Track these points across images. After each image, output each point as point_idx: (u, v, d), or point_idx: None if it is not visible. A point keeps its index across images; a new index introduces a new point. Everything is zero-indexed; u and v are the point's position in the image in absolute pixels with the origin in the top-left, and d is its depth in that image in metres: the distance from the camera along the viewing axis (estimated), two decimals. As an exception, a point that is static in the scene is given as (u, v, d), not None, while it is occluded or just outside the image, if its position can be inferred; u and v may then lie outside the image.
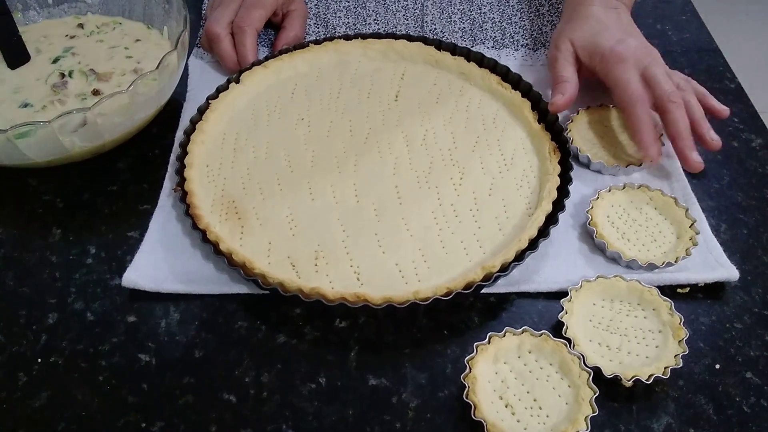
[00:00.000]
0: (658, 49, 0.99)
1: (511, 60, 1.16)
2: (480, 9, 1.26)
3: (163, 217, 0.92)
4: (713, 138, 0.93)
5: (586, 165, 0.98)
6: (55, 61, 1.05)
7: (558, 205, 0.86)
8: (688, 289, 0.84)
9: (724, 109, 0.96)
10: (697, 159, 0.92)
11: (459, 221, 0.88)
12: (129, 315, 0.82)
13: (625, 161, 0.95)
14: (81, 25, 1.13)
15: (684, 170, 0.96)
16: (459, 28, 1.22)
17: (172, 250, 0.87)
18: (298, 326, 0.81)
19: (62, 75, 1.02)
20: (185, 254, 0.87)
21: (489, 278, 0.78)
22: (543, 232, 0.84)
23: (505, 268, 0.80)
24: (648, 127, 0.91)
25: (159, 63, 0.91)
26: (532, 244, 0.82)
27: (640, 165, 0.94)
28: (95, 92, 0.99)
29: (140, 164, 1.02)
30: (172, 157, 0.98)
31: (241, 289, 0.83)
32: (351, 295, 0.76)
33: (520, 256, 0.81)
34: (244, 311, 0.82)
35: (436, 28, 1.23)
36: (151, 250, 0.87)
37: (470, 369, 0.73)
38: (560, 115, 1.01)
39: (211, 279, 0.84)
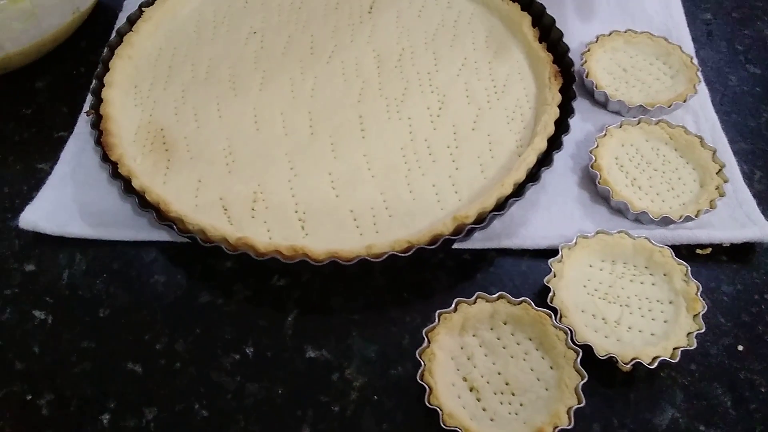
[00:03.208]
0: None
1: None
2: None
3: (78, 147, 0.76)
4: None
5: (603, 104, 0.80)
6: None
7: (554, 143, 0.70)
8: (710, 249, 0.68)
9: None
10: None
11: (433, 160, 0.72)
12: (27, 263, 0.68)
13: (652, 101, 0.77)
14: None
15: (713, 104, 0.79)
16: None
17: (83, 187, 0.73)
18: (227, 282, 0.66)
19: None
20: (99, 192, 0.72)
21: (461, 231, 0.63)
22: (533, 176, 0.67)
23: (482, 219, 0.64)
24: None
25: (66, -46, 0.73)
26: (519, 190, 0.66)
27: (670, 106, 0.76)
28: (3, -6, 0.82)
29: (62, 84, 0.86)
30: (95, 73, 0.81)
31: (161, 235, 0.69)
32: (287, 248, 0.61)
33: (501, 205, 0.65)
34: (164, 262, 0.68)
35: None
36: (59, 185, 0.73)
37: (429, 342, 0.59)
38: (576, 43, 0.82)
39: (126, 222, 0.70)
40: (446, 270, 0.67)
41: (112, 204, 0.71)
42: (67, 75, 0.87)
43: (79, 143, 0.77)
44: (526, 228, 0.69)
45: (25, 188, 0.75)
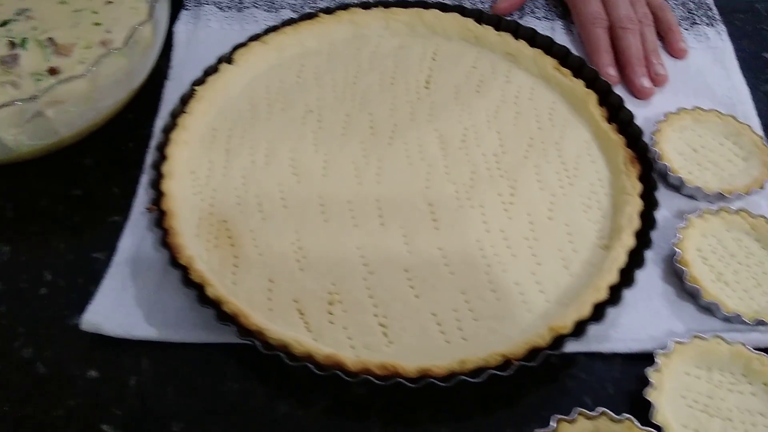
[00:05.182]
0: None
1: (570, 36, 0.94)
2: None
3: (137, 237, 0.73)
4: (658, 72, 0.87)
5: (676, 188, 0.78)
6: (4, 24, 0.84)
7: (642, 239, 0.67)
8: (803, 351, 0.66)
9: (681, 50, 0.92)
10: (645, 84, 0.86)
11: (512, 254, 0.69)
12: (90, 368, 0.65)
13: (730, 187, 0.75)
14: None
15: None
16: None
17: (145, 282, 0.69)
18: (304, 390, 0.63)
19: (12, 44, 0.81)
20: (164, 287, 0.68)
21: (559, 344, 0.60)
22: (625, 277, 0.65)
23: (580, 329, 0.61)
24: (601, 47, 0.88)
25: (127, 37, 0.70)
26: (613, 294, 0.63)
27: (748, 193, 0.75)
28: (52, 71, 0.78)
29: (111, 161, 0.82)
30: (150, 161, 0.78)
31: (232, 336, 0.65)
32: (378, 367, 0.57)
33: (598, 312, 0.62)
34: (236, 366, 0.65)
35: (475, -5, 1.00)
36: (118, 281, 0.69)
37: (531, 468, 0.56)
38: (643, 119, 0.80)
39: (197, 323, 0.66)
40: (534, 377, 0.64)
41: (176, 302, 0.67)
42: (116, 151, 0.83)
43: (137, 232, 0.73)
44: (616, 329, 0.66)
45: (80, 281, 0.71)
